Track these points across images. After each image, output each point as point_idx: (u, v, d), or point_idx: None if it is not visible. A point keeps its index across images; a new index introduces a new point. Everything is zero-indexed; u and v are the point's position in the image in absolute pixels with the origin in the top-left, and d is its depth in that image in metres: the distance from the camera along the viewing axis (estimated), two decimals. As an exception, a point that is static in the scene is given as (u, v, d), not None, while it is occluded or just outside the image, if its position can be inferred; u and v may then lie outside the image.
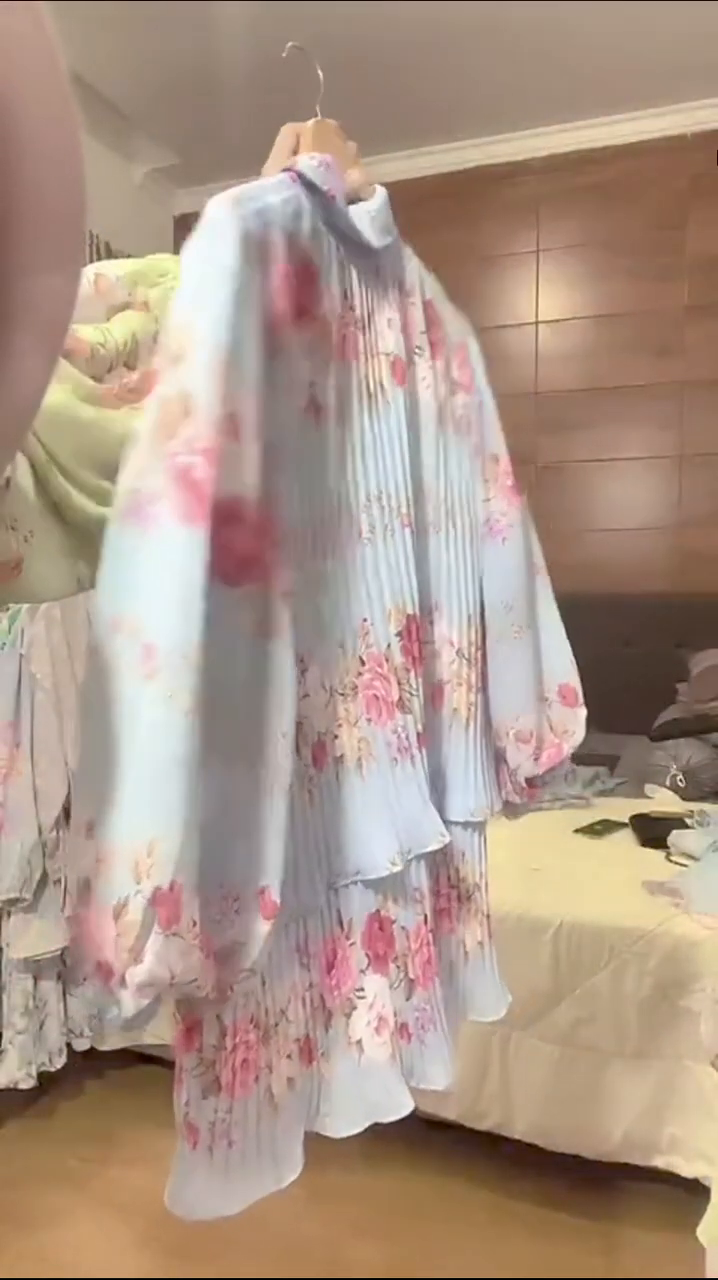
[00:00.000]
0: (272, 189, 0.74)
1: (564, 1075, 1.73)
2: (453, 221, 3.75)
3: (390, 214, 0.89)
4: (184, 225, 4.02)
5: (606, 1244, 1.69)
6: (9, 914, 2.03)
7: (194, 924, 0.62)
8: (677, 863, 1.98)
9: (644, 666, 3.27)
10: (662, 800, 2.48)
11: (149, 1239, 1.72)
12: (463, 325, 1.01)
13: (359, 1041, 0.84)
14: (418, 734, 0.89)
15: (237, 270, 0.67)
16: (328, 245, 0.80)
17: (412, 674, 0.88)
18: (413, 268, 0.94)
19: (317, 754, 0.82)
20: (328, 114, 0.89)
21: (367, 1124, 0.85)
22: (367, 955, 0.86)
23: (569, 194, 3.64)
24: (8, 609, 2.09)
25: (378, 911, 0.87)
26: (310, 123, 0.87)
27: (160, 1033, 1.71)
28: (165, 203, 4.03)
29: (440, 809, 0.94)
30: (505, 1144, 1.81)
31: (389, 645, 0.87)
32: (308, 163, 0.78)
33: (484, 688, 1.01)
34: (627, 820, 2.24)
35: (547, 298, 3.70)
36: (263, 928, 0.69)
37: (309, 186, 0.77)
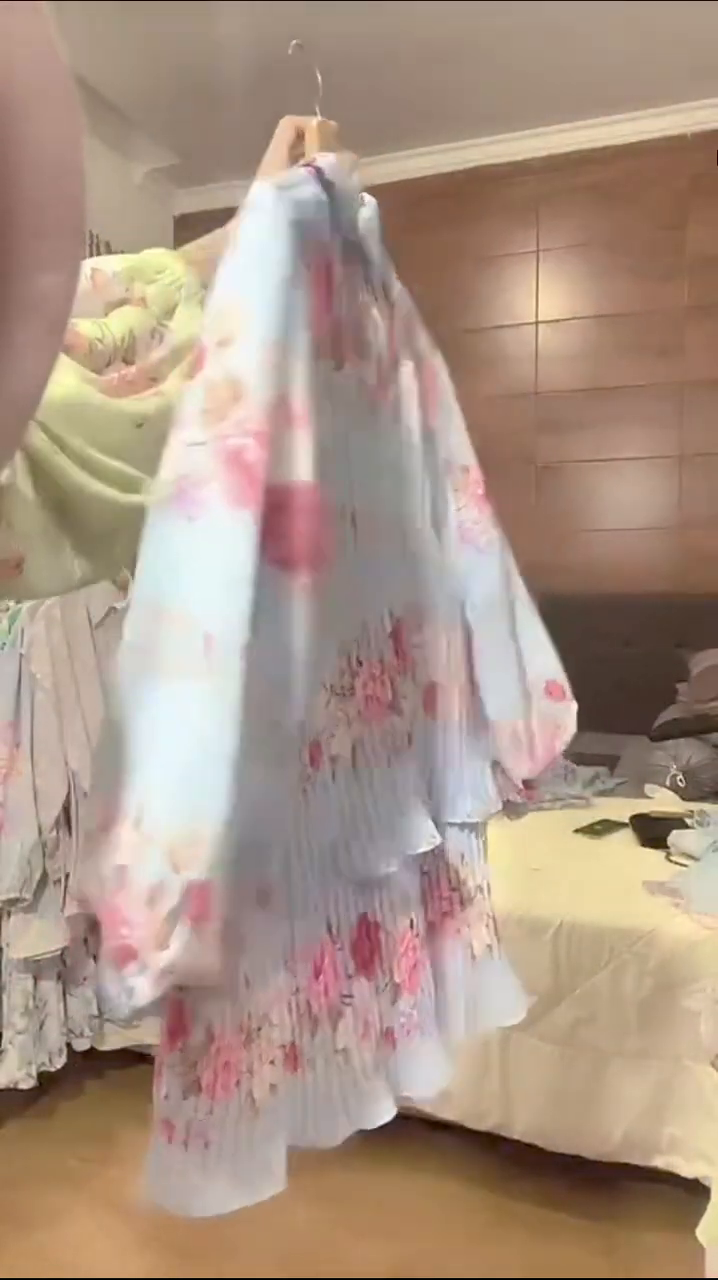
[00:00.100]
0: (301, 181, 0.74)
1: (564, 1075, 1.73)
2: (453, 221, 3.75)
3: (380, 225, 0.89)
4: (184, 225, 4.02)
5: (606, 1244, 1.68)
6: (9, 914, 2.03)
7: (220, 917, 0.62)
8: (677, 863, 1.98)
9: (644, 666, 3.27)
10: (662, 800, 2.48)
11: (149, 1239, 1.72)
12: (430, 340, 1.02)
13: (345, 1049, 0.83)
14: (408, 735, 0.89)
15: (288, 257, 0.67)
16: (337, 245, 0.81)
17: (404, 676, 0.89)
18: (394, 279, 0.95)
19: (313, 754, 0.82)
20: (328, 114, 0.89)
21: (350, 1133, 0.84)
22: (354, 959, 0.85)
23: (569, 194, 3.64)
24: (7, 609, 2.09)
25: (366, 915, 0.86)
26: (314, 121, 0.87)
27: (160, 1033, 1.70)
28: (165, 203, 4.04)
29: (437, 811, 0.94)
30: (505, 1144, 1.80)
31: (384, 647, 0.87)
32: (327, 161, 0.78)
33: (474, 690, 1.01)
34: (627, 820, 2.24)
35: (547, 298, 3.70)
36: (261, 924, 0.69)
37: (327, 185, 0.77)
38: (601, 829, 2.23)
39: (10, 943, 2.04)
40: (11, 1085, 2.01)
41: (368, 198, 0.89)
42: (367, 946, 0.86)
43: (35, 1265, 1.68)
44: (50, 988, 2.09)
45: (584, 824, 2.26)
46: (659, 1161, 1.69)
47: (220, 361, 0.64)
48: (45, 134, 0.29)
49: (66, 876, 2.04)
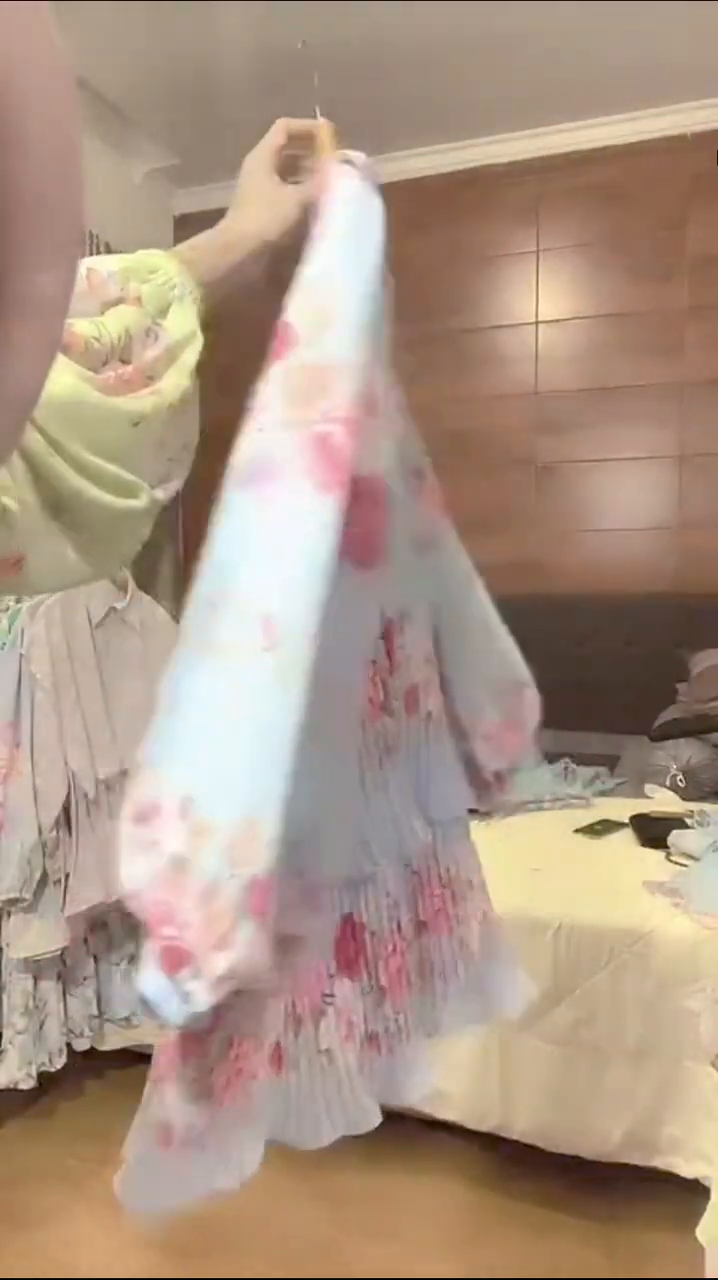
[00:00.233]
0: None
1: (564, 1075, 1.73)
2: (453, 221, 3.75)
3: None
4: (184, 225, 4.02)
5: (606, 1244, 1.69)
6: (9, 914, 2.03)
7: (277, 914, 0.58)
8: (677, 863, 1.98)
9: (644, 666, 3.27)
10: (662, 800, 2.48)
11: (149, 1238, 1.72)
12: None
13: (328, 1050, 0.83)
14: (398, 735, 0.89)
15: (381, 244, 0.67)
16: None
17: (394, 677, 0.89)
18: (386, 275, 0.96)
19: None
20: (328, 114, 0.89)
21: (335, 1137, 0.83)
22: (336, 959, 0.84)
23: (569, 194, 3.64)
24: (7, 608, 2.09)
25: (350, 915, 0.85)
26: (323, 122, 0.86)
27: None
28: (165, 202, 4.04)
29: (423, 808, 0.94)
30: (505, 1144, 1.81)
31: (378, 648, 0.87)
32: (360, 159, 0.78)
33: (446, 688, 1.02)
34: (627, 820, 2.24)
35: (547, 298, 3.70)
36: (318, 921, 0.67)
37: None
38: (601, 829, 2.23)
39: (10, 943, 2.04)
40: (11, 1085, 2.01)
41: None
42: (351, 947, 0.85)
43: (35, 1265, 1.68)
44: (50, 988, 2.09)
45: (584, 824, 2.26)
46: (659, 1161, 1.69)
47: (315, 344, 0.63)
48: (45, 133, 0.29)
49: (67, 876, 2.05)
